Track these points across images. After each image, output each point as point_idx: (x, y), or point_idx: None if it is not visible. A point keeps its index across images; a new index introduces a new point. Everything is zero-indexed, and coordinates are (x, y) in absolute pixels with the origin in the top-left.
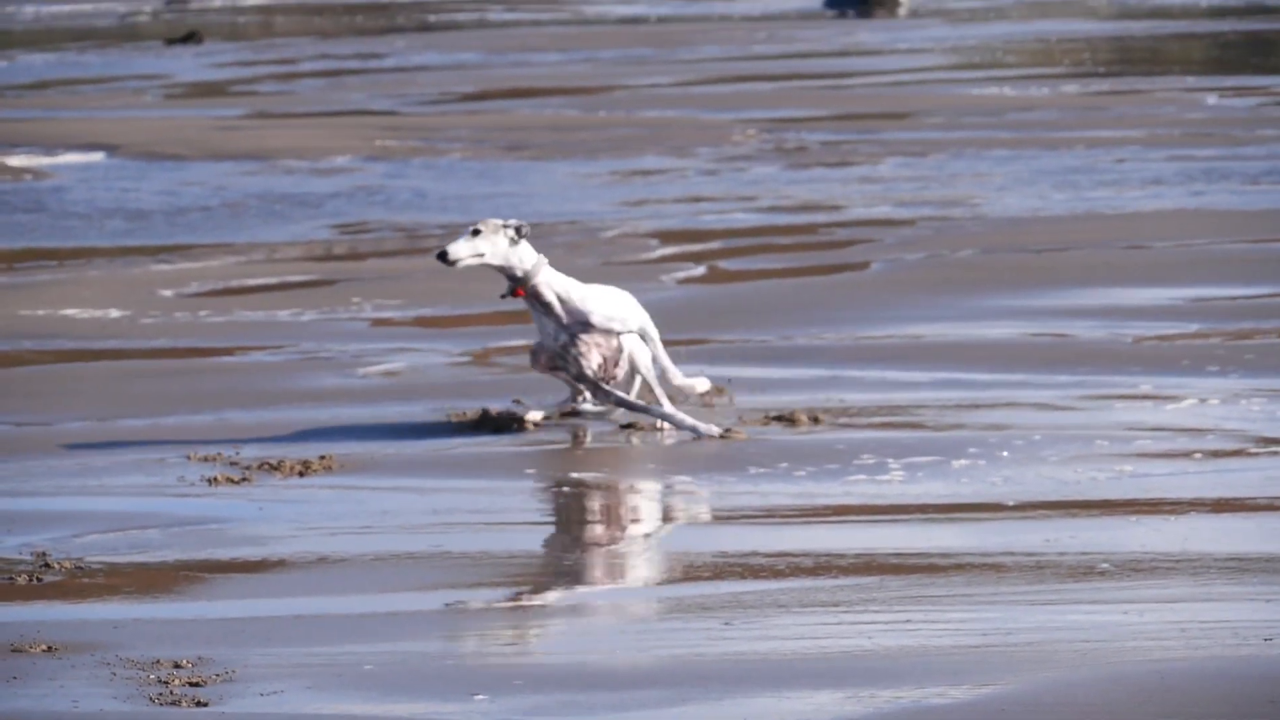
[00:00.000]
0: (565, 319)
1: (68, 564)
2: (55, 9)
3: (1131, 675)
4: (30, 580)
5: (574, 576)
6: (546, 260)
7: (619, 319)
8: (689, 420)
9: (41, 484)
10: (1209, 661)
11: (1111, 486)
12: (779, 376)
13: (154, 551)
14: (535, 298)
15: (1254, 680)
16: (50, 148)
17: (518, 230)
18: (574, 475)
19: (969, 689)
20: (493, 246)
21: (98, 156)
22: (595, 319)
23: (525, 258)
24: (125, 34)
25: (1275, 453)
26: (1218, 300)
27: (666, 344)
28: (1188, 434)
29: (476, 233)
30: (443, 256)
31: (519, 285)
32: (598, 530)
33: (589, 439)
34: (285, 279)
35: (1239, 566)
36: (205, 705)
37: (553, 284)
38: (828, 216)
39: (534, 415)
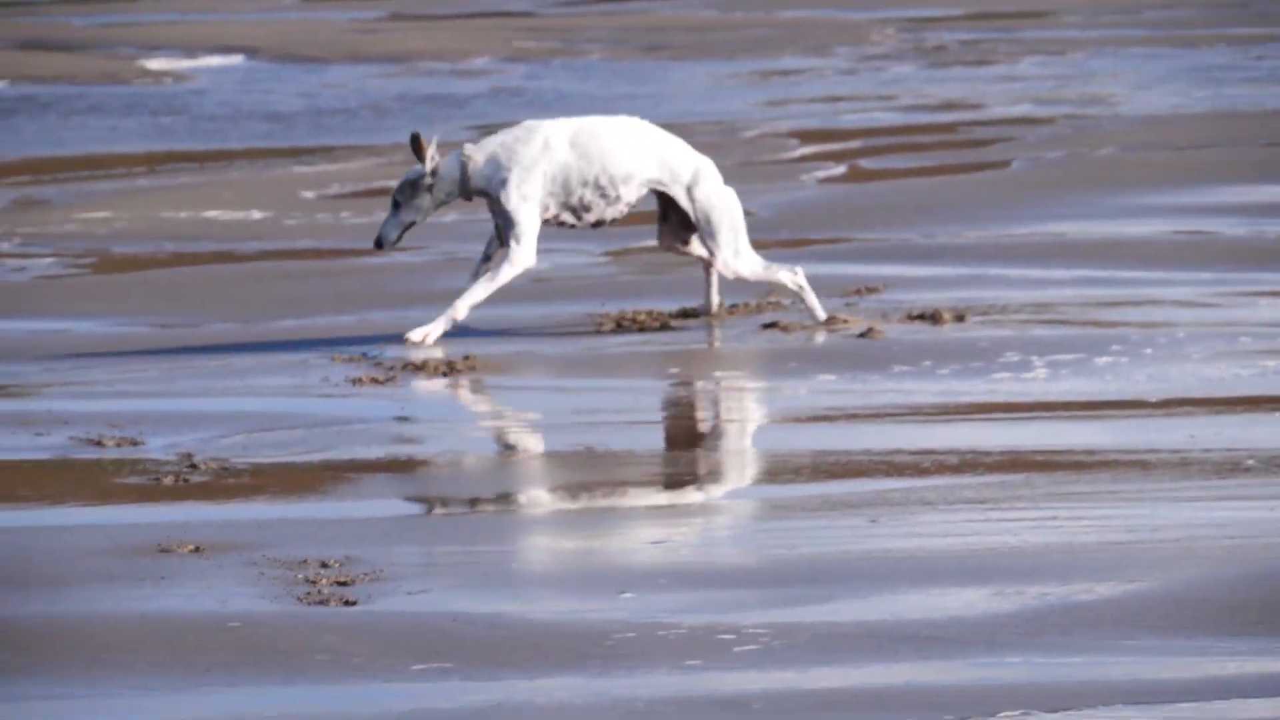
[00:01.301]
0: None
1: (213, 465)
2: None
3: (1277, 571)
4: (177, 481)
5: (717, 475)
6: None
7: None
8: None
9: (187, 385)
10: None
11: (1256, 383)
12: (922, 275)
13: (299, 452)
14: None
15: None
16: (190, 50)
17: (432, 173)
18: (717, 374)
19: (1114, 585)
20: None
21: (237, 59)
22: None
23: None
24: None
25: None
26: None
27: (808, 243)
28: None
29: (396, 205)
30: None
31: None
32: (741, 429)
33: (730, 339)
34: None
35: None
36: (353, 604)
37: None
38: (967, 115)
39: (676, 310)
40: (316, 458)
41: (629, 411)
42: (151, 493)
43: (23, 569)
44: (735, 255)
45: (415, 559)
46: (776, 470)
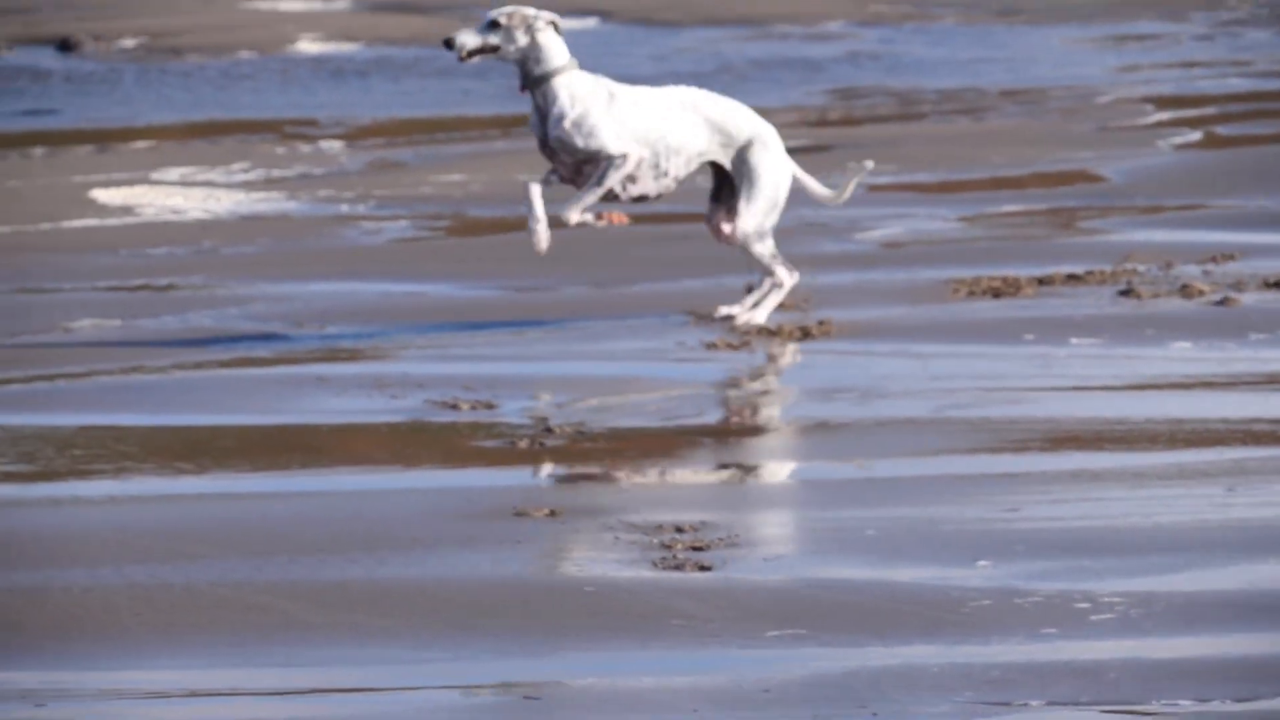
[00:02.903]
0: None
1: (568, 428)
2: None
3: None
4: (531, 445)
5: (1071, 442)
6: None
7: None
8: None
9: (541, 349)
10: None
11: None
12: (1278, 242)
13: (653, 416)
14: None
15: None
16: None
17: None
18: (1073, 340)
19: None
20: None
21: (591, 22)
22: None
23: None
24: None
25: None
26: None
27: (1163, 210)
28: None
29: (494, 25)
30: (449, 44)
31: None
32: (1096, 396)
33: (1086, 306)
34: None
35: None
36: (709, 569)
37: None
38: None
39: (1032, 276)
40: (671, 422)
41: (984, 378)
42: (507, 456)
43: (379, 532)
44: (758, 231)
45: (770, 524)
46: (1131, 438)
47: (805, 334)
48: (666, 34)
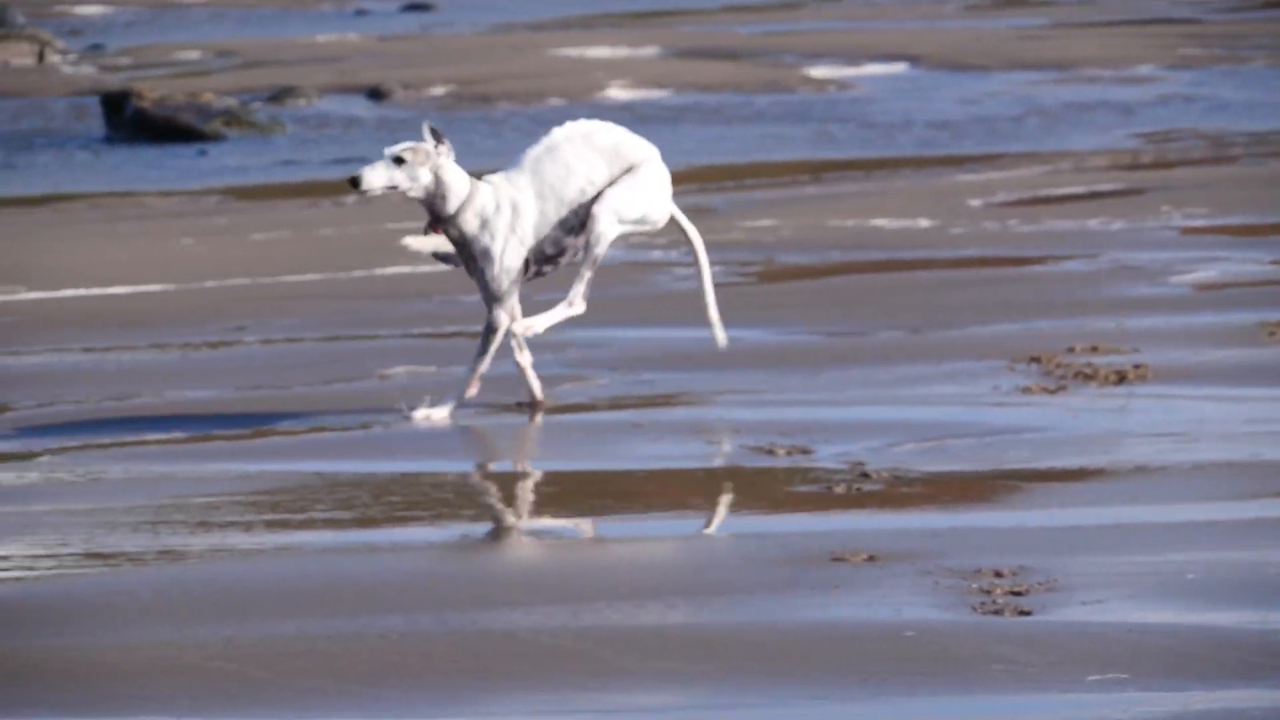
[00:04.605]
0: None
1: (885, 473)
2: None
3: None
4: (848, 489)
5: None
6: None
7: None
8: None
9: (856, 394)
10: None
11: None
12: None
13: (970, 460)
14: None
15: None
16: (853, 58)
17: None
18: None
19: None
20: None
21: (900, 67)
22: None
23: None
24: None
25: None
26: None
27: None
28: None
29: (399, 161)
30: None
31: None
32: None
33: None
34: (1093, 187)
35: None
36: (1028, 614)
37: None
38: None
39: None
40: (988, 466)
41: None
42: (824, 501)
43: (695, 577)
44: (615, 215)
45: (1089, 568)
46: None
47: (1121, 378)
48: (975, 78)
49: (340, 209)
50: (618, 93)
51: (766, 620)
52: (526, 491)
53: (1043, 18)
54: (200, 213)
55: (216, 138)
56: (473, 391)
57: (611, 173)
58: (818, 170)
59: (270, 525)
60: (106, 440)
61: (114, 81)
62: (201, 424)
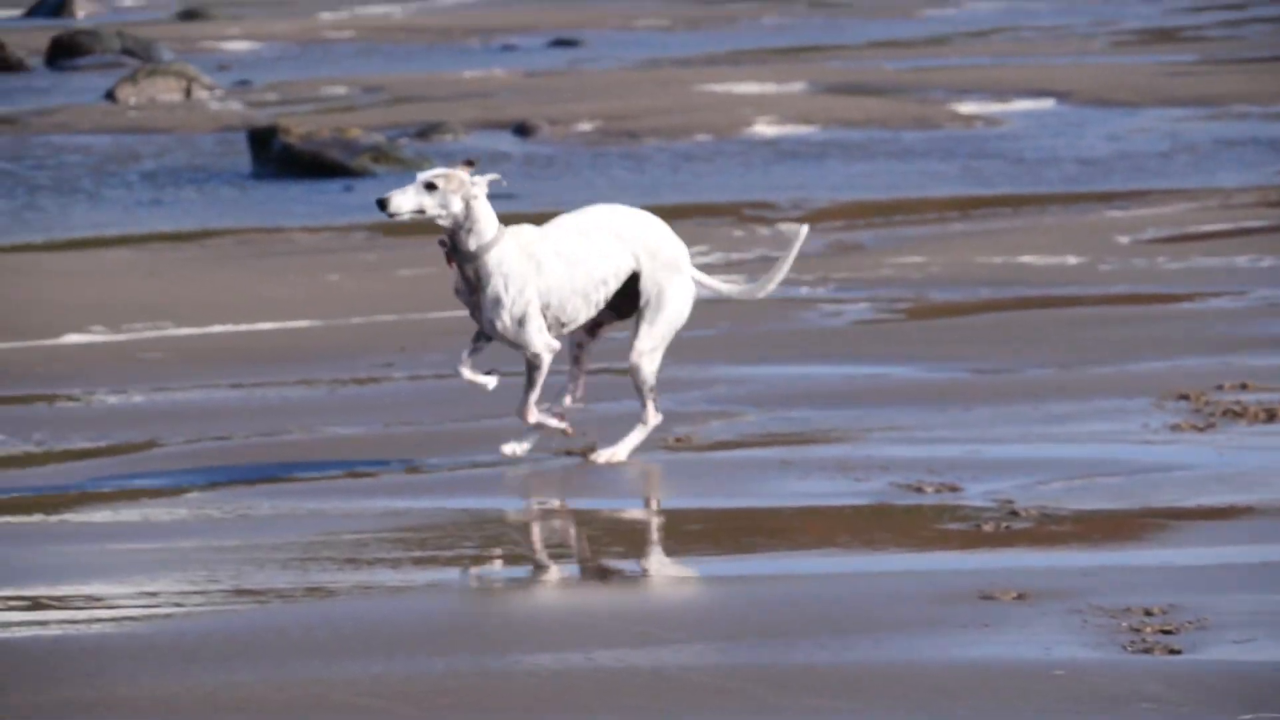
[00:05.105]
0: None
1: (1034, 511)
2: None
3: None
4: (997, 527)
5: None
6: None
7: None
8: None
9: (1005, 431)
10: None
11: None
12: None
13: (1120, 498)
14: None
15: None
16: (1000, 94)
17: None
18: None
19: None
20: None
21: (1048, 103)
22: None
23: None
24: None
25: None
26: None
27: None
28: None
29: (430, 186)
30: (382, 205)
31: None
32: None
33: None
34: (1241, 224)
35: None
36: (1178, 653)
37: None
38: None
39: None
40: (1137, 504)
41: None
42: (972, 539)
43: (844, 615)
44: (652, 351)
45: (1241, 607)
46: None
47: (1271, 416)
48: (1122, 114)
49: None
50: (764, 128)
51: (915, 659)
52: (675, 529)
53: (1190, 53)
54: (347, 248)
55: (363, 173)
56: (531, 419)
57: (633, 261)
58: (966, 206)
59: (419, 562)
60: (255, 476)
61: (261, 117)
62: (350, 460)
